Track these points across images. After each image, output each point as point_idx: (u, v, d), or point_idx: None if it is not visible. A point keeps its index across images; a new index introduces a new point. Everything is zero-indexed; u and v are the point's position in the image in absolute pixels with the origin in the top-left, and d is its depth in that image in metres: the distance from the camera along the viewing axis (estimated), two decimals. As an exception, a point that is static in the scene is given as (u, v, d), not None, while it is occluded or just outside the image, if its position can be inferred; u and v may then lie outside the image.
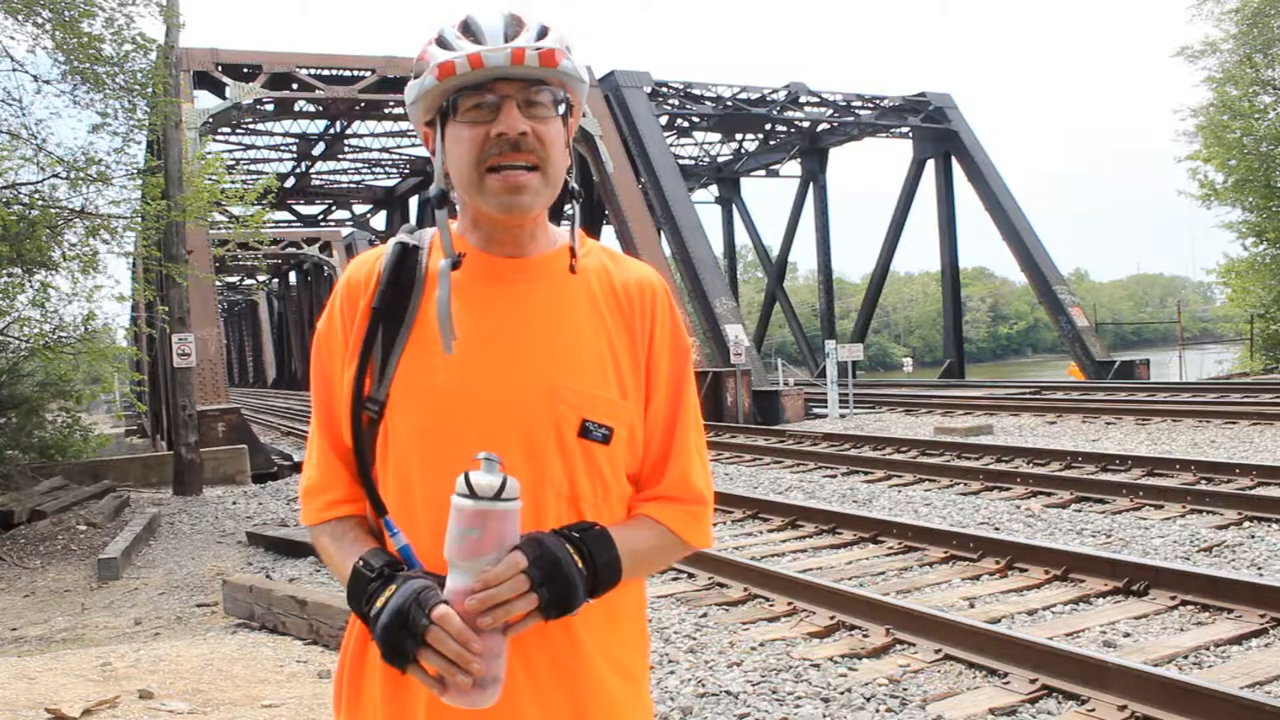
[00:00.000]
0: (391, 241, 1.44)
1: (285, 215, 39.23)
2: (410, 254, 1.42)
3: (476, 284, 1.38)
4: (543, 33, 1.33)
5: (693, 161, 36.53)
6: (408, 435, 1.35)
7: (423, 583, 1.25)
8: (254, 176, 26.54)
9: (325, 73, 22.29)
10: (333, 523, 1.43)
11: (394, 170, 34.49)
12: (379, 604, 1.26)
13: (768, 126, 32.05)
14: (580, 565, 1.28)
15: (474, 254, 1.39)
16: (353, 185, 36.71)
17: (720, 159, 37.26)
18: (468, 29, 1.33)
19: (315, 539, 1.47)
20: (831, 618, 5.62)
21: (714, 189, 39.88)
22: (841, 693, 4.56)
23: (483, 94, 1.32)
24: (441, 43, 1.33)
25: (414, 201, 36.19)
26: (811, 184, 34.85)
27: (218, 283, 34.71)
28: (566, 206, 1.45)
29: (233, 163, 29.10)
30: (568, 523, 1.34)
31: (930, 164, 31.33)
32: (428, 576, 1.28)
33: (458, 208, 1.45)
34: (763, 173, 38.62)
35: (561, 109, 1.36)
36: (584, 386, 1.35)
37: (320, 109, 25.32)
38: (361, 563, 1.32)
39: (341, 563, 1.37)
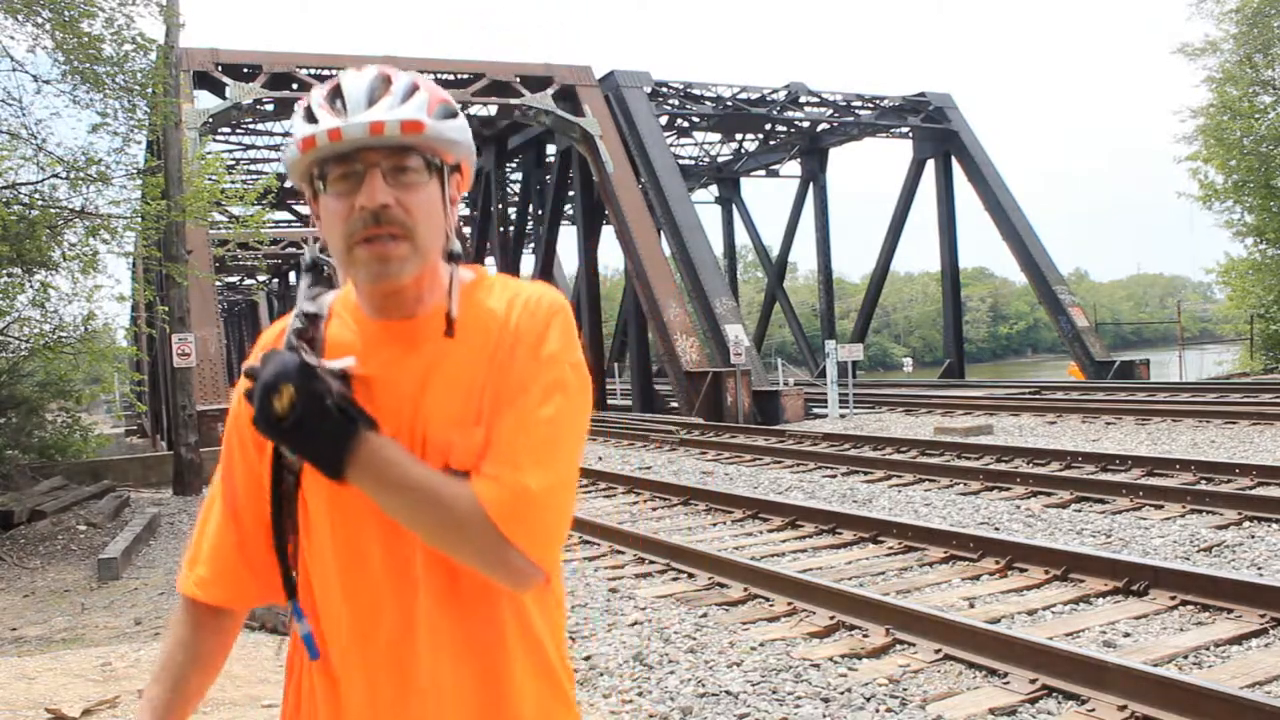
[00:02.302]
0: (294, 315, 1.39)
1: (285, 215, 39.21)
2: (313, 323, 1.38)
3: (370, 350, 1.35)
4: (409, 92, 1.29)
5: (693, 161, 36.53)
6: (318, 505, 1.34)
7: None
8: (254, 176, 26.55)
9: (325, 73, 22.28)
10: (193, 605, 1.44)
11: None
12: None
13: (768, 126, 32.06)
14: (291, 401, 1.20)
15: (364, 320, 1.36)
16: (353, 185, 36.67)
17: (720, 159, 37.27)
18: (334, 95, 1.29)
19: (175, 612, 1.45)
20: (831, 618, 5.62)
21: (714, 189, 39.91)
22: (841, 693, 4.56)
23: (350, 164, 1.28)
24: (309, 112, 1.30)
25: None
26: (811, 184, 34.86)
27: (218, 283, 34.71)
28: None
29: (233, 163, 29.09)
30: (438, 579, 1.30)
31: (930, 164, 31.34)
32: None
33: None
34: (763, 173, 38.64)
35: (436, 172, 1.31)
36: (452, 435, 1.30)
37: (320, 109, 25.29)
38: (146, 703, 1.38)
39: (158, 669, 1.41)
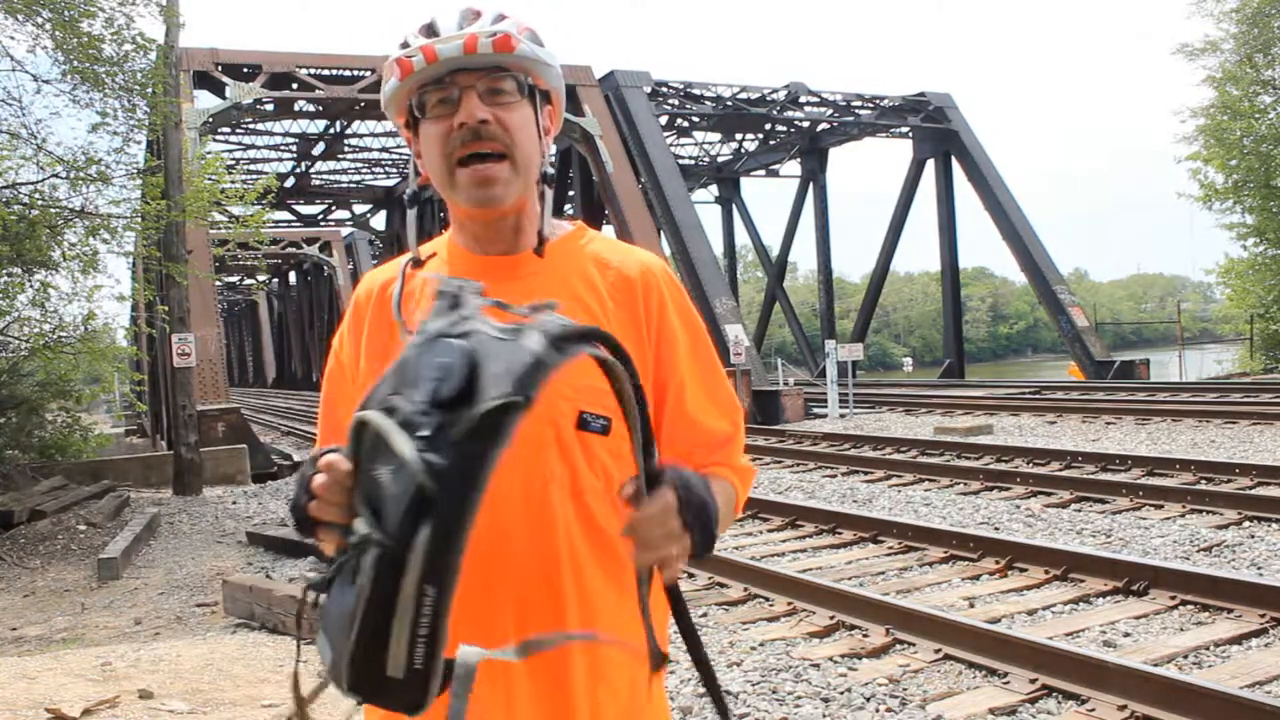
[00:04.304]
0: (407, 257, 1.44)
1: (285, 215, 39.16)
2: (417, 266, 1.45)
3: None
4: (498, 19, 1.34)
5: (693, 161, 36.50)
6: None
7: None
8: (254, 176, 26.49)
9: (325, 72, 22.28)
10: None
11: (394, 170, 34.50)
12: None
13: (768, 126, 32.03)
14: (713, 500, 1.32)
15: (462, 254, 1.40)
16: (353, 185, 36.70)
17: (720, 159, 37.24)
18: (428, 28, 1.34)
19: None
20: (831, 618, 5.62)
21: (714, 189, 39.85)
22: (841, 693, 4.56)
23: (446, 89, 1.32)
24: (403, 44, 1.35)
25: (414, 201, 36.19)
26: (811, 184, 34.84)
27: (218, 283, 34.69)
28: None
29: (233, 163, 29.07)
30: (574, 519, 1.33)
31: (930, 164, 31.30)
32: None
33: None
34: (763, 173, 38.60)
35: (528, 94, 1.36)
36: (578, 378, 1.28)
37: (320, 109, 25.29)
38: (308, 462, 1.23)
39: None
